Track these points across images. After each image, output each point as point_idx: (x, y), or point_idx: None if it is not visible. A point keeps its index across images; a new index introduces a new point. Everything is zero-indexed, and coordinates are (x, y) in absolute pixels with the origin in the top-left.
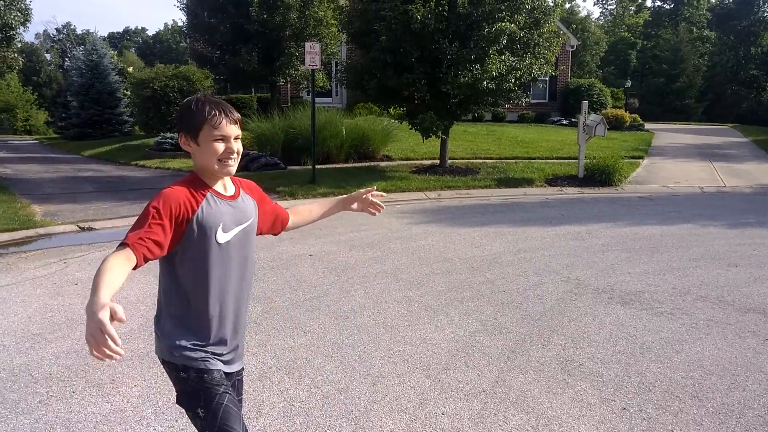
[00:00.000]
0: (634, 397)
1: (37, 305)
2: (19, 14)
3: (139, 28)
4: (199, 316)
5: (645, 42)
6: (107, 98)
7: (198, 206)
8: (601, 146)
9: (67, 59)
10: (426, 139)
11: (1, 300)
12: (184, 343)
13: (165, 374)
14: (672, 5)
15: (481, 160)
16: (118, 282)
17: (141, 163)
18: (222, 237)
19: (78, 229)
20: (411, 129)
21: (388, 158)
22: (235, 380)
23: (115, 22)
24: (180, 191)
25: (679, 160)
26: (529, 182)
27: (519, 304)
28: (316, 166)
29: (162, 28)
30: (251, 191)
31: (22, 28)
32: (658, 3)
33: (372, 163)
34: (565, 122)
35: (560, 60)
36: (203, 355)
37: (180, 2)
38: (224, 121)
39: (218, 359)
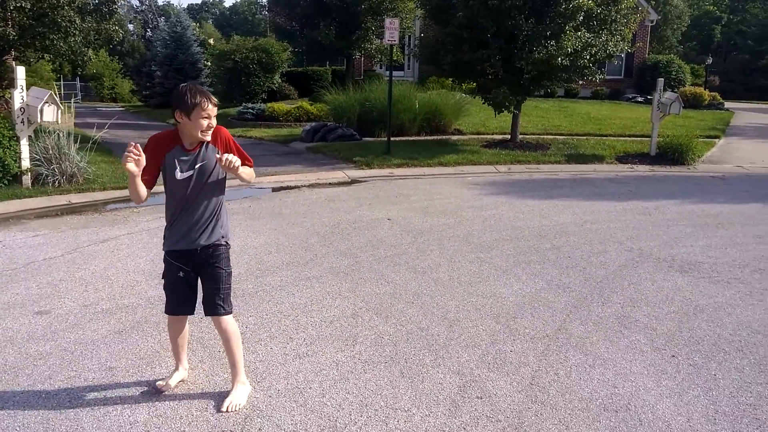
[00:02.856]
0: (683, 348)
1: (156, 251)
2: None
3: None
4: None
5: (731, 16)
6: (189, 68)
7: (165, 154)
8: (676, 125)
9: (148, 30)
10: (498, 113)
11: (126, 245)
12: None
13: (276, 308)
14: None
15: (551, 136)
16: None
17: None
18: (179, 175)
19: None
20: (484, 104)
21: (460, 132)
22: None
23: None
24: (158, 140)
25: (758, 141)
26: (599, 159)
27: (582, 269)
28: (390, 138)
29: (238, 0)
30: (218, 143)
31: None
32: None
33: (443, 137)
34: (640, 99)
35: (638, 36)
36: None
37: None
38: (209, 105)
39: None
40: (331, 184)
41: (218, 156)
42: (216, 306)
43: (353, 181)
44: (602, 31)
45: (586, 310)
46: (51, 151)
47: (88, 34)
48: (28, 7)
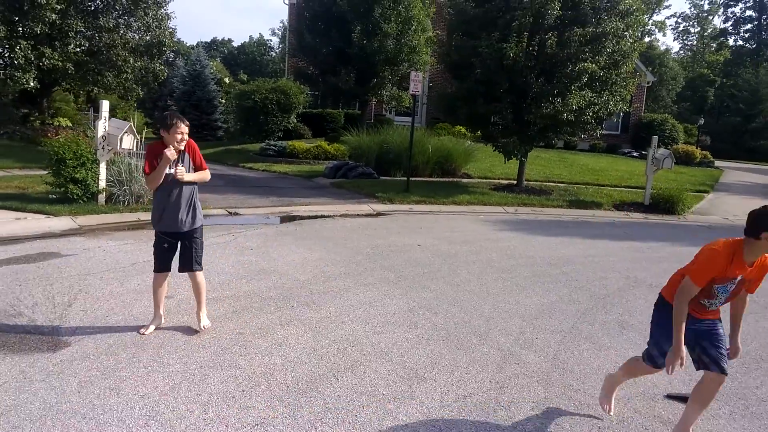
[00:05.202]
0: None
1: (233, 260)
2: (167, 33)
3: (226, 39)
4: None
5: (724, 80)
6: (206, 105)
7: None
8: (668, 179)
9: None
10: (508, 160)
11: (207, 254)
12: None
13: (347, 303)
14: (754, 45)
15: (553, 183)
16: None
17: (249, 165)
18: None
19: (227, 213)
20: (494, 151)
21: (468, 176)
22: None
23: (202, 33)
24: (156, 147)
25: (744, 197)
26: (597, 205)
27: (588, 289)
28: (405, 178)
29: (247, 40)
30: (188, 151)
31: (169, 42)
32: (740, 42)
33: (454, 179)
34: (635, 154)
35: (635, 96)
36: None
37: (282, 26)
38: (181, 124)
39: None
40: (359, 215)
41: (174, 169)
42: (196, 265)
43: (378, 214)
44: (604, 91)
45: (592, 316)
46: (123, 175)
47: (138, 72)
48: (86, 46)
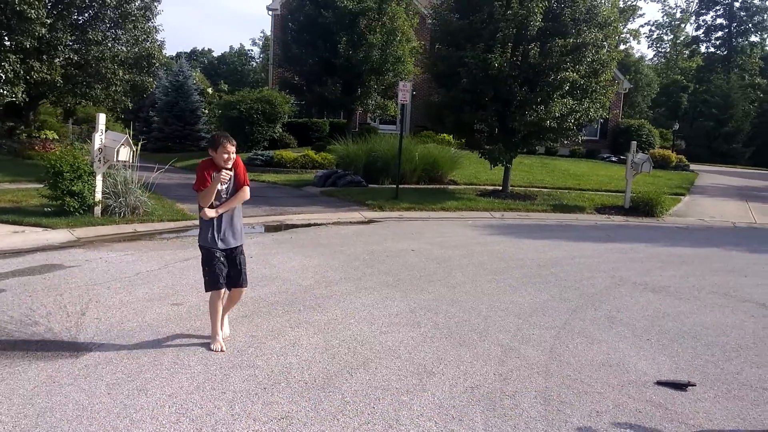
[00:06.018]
0: (654, 336)
1: None
2: (156, 46)
3: (206, 49)
4: None
5: (697, 86)
6: (189, 116)
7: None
8: (646, 182)
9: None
10: (494, 167)
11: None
12: None
13: (351, 306)
14: (725, 52)
15: (537, 189)
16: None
17: None
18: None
19: None
20: (480, 157)
21: (454, 182)
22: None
23: (182, 43)
24: (206, 165)
25: (718, 199)
26: (580, 209)
27: (577, 288)
28: (394, 186)
29: (227, 51)
30: (235, 167)
31: (159, 55)
32: (712, 49)
33: (441, 186)
34: (614, 159)
35: (613, 103)
36: None
37: (262, 36)
38: (227, 144)
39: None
40: (351, 223)
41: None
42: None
43: (370, 221)
44: (584, 99)
45: (582, 313)
46: (119, 186)
47: (126, 84)
48: (76, 59)
